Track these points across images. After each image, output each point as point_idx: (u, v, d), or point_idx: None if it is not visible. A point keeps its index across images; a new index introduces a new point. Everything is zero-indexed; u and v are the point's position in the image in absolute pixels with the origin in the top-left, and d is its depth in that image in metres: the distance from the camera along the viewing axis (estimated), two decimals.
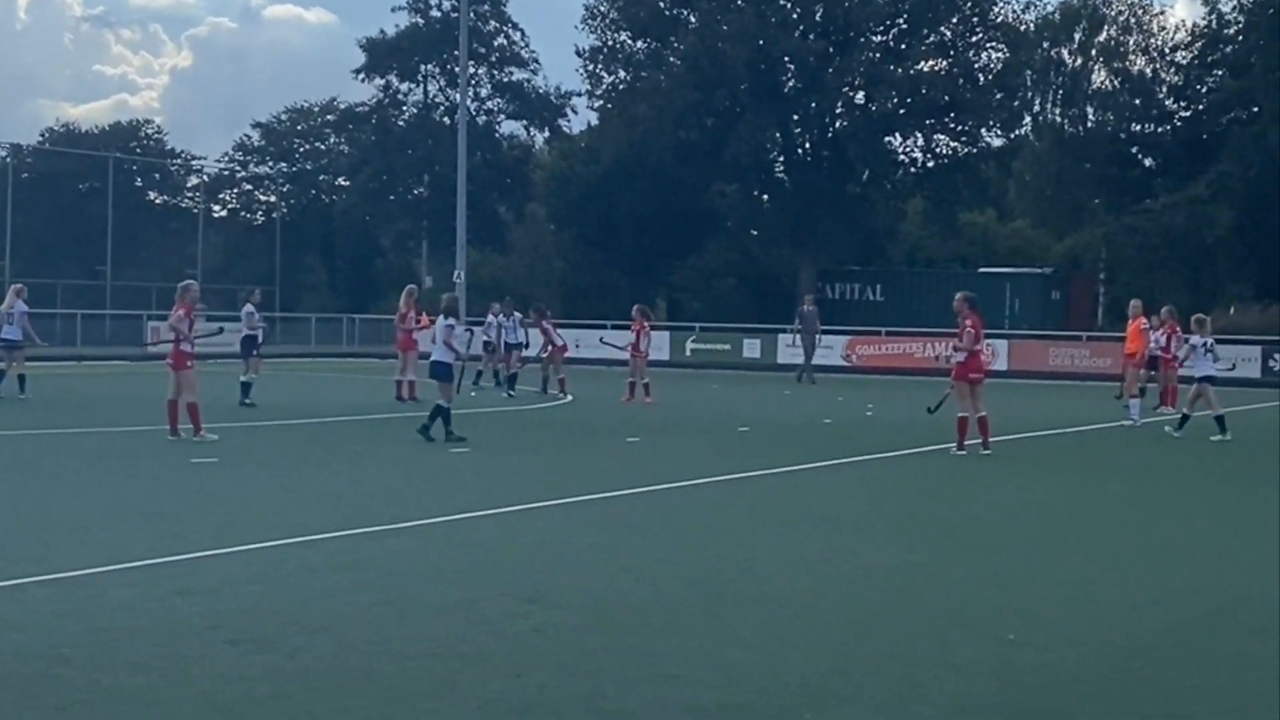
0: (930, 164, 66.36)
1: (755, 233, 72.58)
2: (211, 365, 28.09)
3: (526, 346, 36.16)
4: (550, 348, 34.73)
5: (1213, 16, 64.51)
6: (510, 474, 17.64)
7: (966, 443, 20.57)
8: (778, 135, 65.11)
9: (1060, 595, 10.49)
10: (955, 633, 9.17)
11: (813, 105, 63.96)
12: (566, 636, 8.88)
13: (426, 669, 8.00)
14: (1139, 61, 72.41)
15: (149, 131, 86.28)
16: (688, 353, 54.39)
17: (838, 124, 64.37)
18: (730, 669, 8.09)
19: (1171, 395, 30.57)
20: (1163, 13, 76.00)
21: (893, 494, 16.53)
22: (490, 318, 36.55)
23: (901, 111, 63.20)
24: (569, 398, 33.04)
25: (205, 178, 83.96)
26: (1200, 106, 67.63)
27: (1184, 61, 69.58)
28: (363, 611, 9.49)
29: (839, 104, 63.95)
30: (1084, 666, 8.35)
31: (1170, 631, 9.38)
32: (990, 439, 20.90)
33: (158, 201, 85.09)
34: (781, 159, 66.90)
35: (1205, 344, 25.00)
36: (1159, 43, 72.46)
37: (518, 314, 36.56)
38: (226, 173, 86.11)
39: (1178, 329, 31.01)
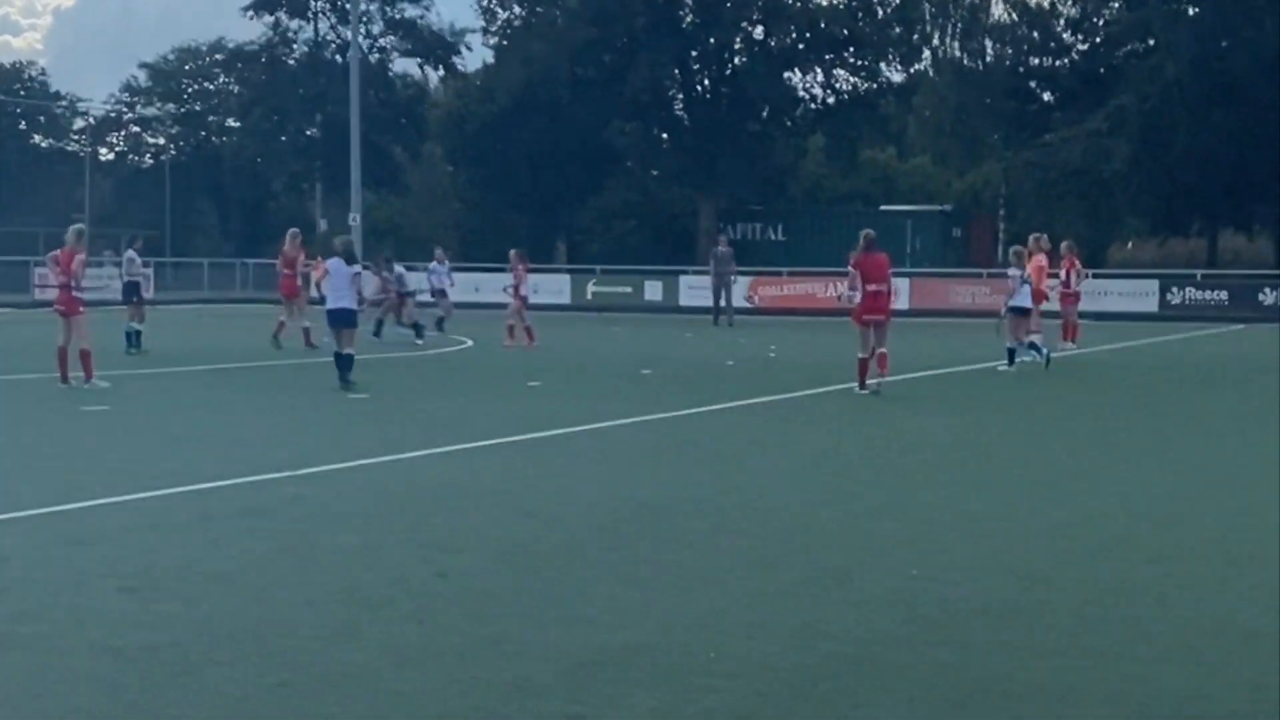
0: (830, 100, 66.51)
1: (655, 173, 72.45)
2: (94, 312, 27.60)
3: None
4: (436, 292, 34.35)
5: None
6: (411, 419, 17.51)
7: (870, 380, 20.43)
8: (676, 72, 64.92)
9: (960, 529, 10.55)
10: (857, 568, 9.20)
11: (711, 41, 63.81)
12: (470, 580, 8.81)
13: (329, 615, 7.91)
14: None
15: (32, 74, 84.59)
16: (589, 295, 54.21)
17: (736, 60, 64.30)
18: (634, 609, 8.07)
19: (1072, 330, 30.85)
20: None
21: (794, 434, 16.57)
22: (434, 264, 35.70)
23: (800, 47, 63.27)
24: (469, 342, 32.88)
25: (91, 120, 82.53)
26: (1098, 39, 68.13)
27: None
28: (262, 559, 9.37)
29: (738, 39, 63.85)
30: (984, 598, 8.40)
31: (1066, 561, 9.46)
32: (886, 375, 20.75)
33: (43, 145, 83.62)
34: (680, 96, 66.76)
35: (1021, 276, 25.56)
36: None
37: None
38: (113, 115, 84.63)
39: (1076, 264, 31.42)
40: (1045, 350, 25.07)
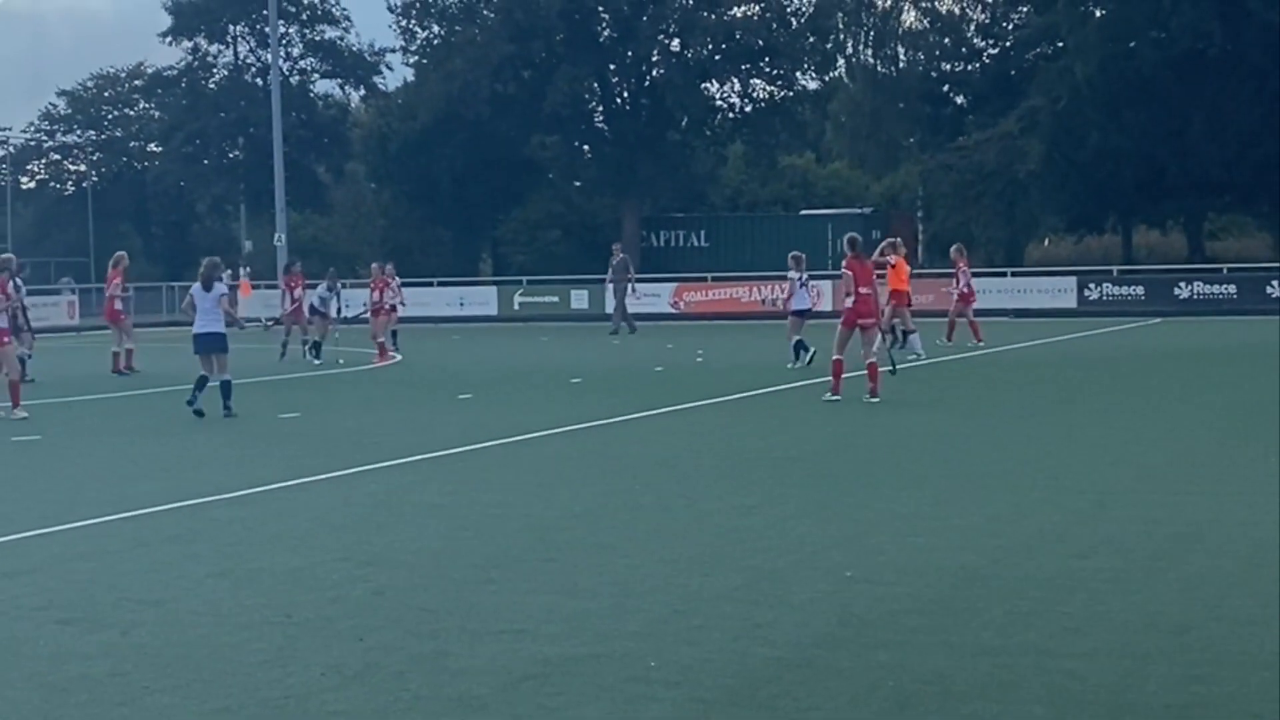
0: (748, 109, 66.89)
1: (578, 183, 72.55)
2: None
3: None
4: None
5: None
6: (342, 436, 17.48)
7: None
8: (595, 85, 65.13)
9: (892, 528, 10.67)
10: (793, 571, 9.29)
11: (629, 54, 64.06)
12: (408, 597, 8.83)
13: (266, 637, 7.91)
14: (947, 0, 73.56)
15: None
16: (516, 306, 54.29)
17: (654, 72, 64.55)
18: (573, 619, 8.12)
19: (974, 329, 31.48)
20: None
21: (725, 438, 16.67)
22: (324, 285, 35.45)
23: (717, 58, 63.61)
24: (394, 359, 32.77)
25: (11, 149, 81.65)
26: (1008, 43, 69.00)
27: None
28: (197, 584, 9.35)
29: (655, 52, 64.10)
30: (919, 596, 8.51)
31: (998, 557, 9.59)
32: (878, 386, 20.42)
33: None
34: (600, 108, 66.95)
35: (801, 279, 27.05)
36: None
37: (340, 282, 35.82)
38: (33, 143, 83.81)
39: (964, 265, 32.16)
40: (921, 351, 25.72)
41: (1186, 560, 9.36)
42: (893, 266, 28.12)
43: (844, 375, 20.12)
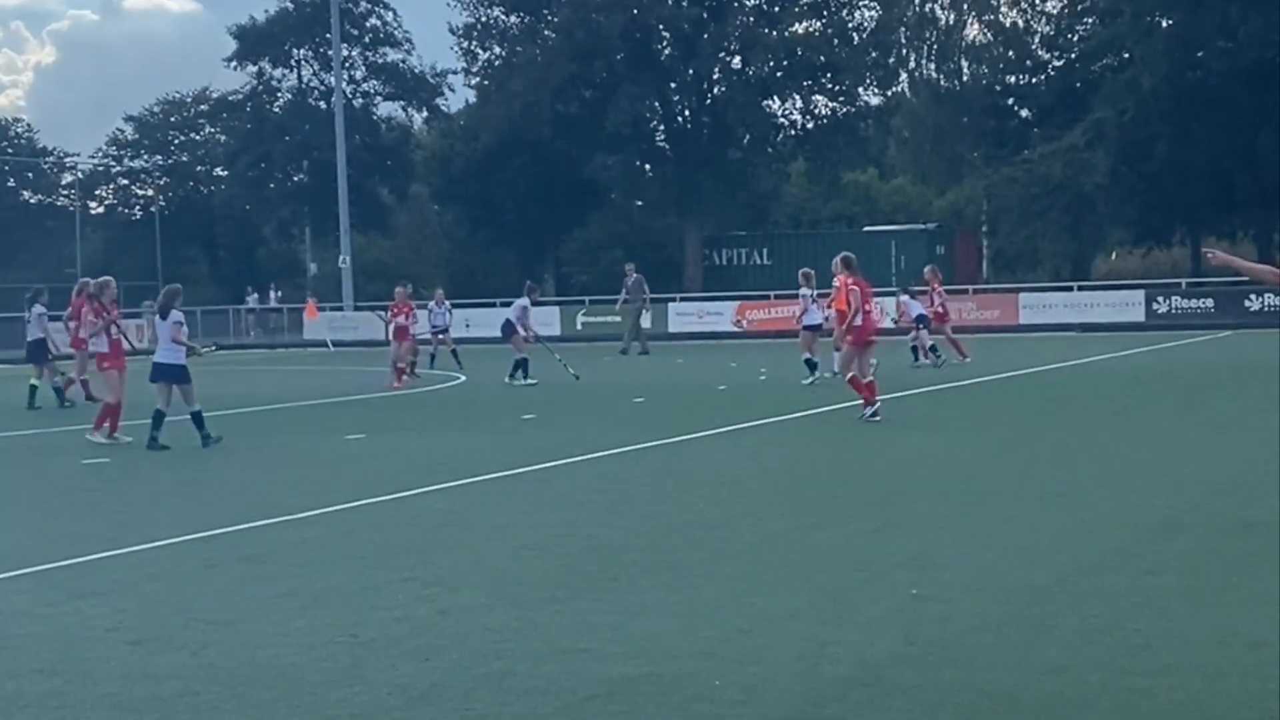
0: (810, 125, 66.86)
1: (639, 203, 72.73)
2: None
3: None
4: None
5: None
6: (406, 457, 17.55)
7: (871, 400, 20.03)
8: (656, 104, 65.28)
9: (958, 546, 10.61)
10: (859, 590, 9.25)
11: (690, 72, 64.15)
12: (473, 616, 8.85)
13: (334, 657, 7.95)
14: (1011, 13, 73.21)
15: (19, 130, 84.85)
16: (578, 326, 54.41)
17: (716, 90, 64.62)
18: (637, 639, 8.11)
19: (957, 346, 31.56)
20: None
21: (789, 456, 16.63)
22: (432, 304, 36.00)
23: (779, 74, 63.62)
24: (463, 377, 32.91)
25: (80, 174, 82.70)
26: (1072, 55, 68.57)
27: (1054, 11, 70.48)
28: (266, 604, 9.41)
29: (716, 70, 64.20)
30: (986, 615, 8.45)
31: (1066, 575, 9.52)
32: (871, 397, 20.27)
33: (32, 201, 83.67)
34: (662, 128, 67.10)
35: (811, 295, 27.55)
36: None
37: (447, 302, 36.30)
38: (101, 169, 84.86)
39: (939, 285, 31.88)
40: (821, 373, 26.17)
41: (1259, 577, 9.26)
42: (838, 287, 27.80)
43: (873, 387, 20.13)
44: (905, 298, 32.66)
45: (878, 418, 19.64)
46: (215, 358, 32.72)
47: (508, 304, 56.58)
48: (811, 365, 26.68)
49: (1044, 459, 15.66)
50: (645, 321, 43.94)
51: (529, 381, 28.99)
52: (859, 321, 20.32)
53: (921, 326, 30.82)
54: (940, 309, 32.33)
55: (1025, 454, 16.12)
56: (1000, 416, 20.69)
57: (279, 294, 66.37)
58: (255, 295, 67.50)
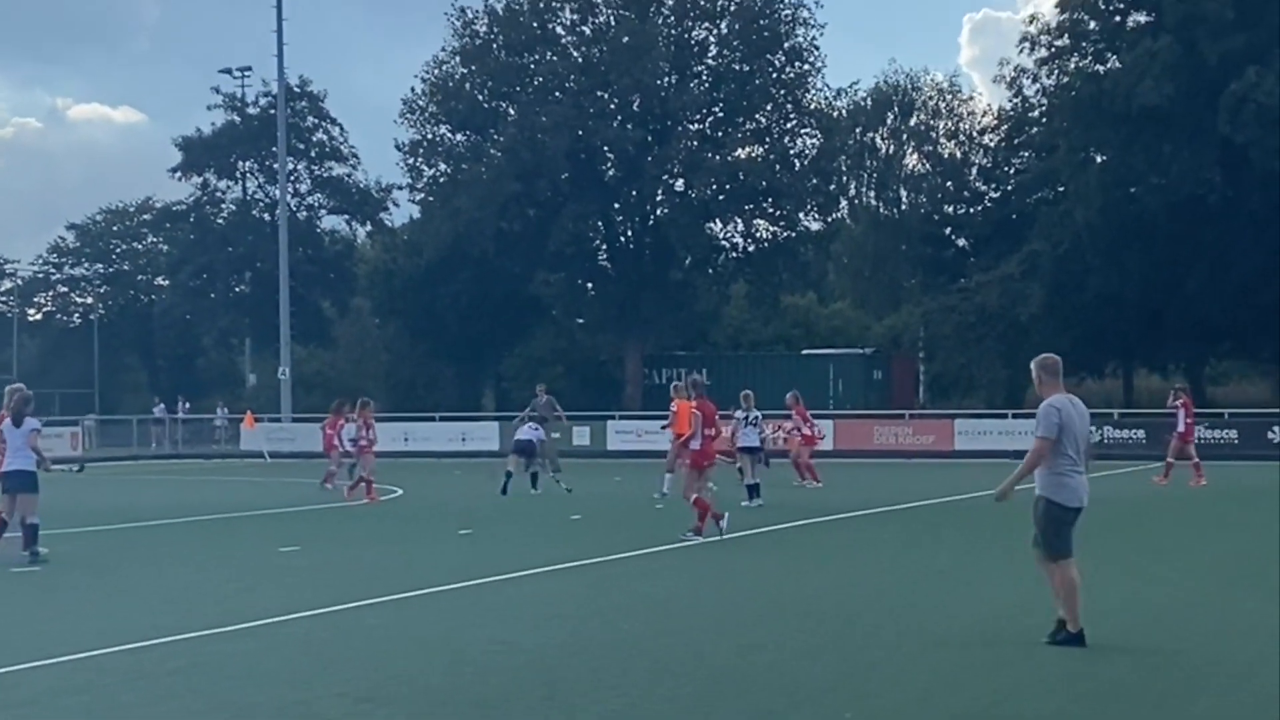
0: (751, 248, 67.50)
1: (581, 320, 73.00)
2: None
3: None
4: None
5: (1017, 100, 66.57)
6: (340, 569, 17.49)
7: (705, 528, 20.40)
8: (600, 223, 65.83)
9: (889, 672, 10.67)
10: (792, 713, 9.30)
11: (633, 193, 64.76)
12: None
13: None
14: (949, 145, 74.48)
15: None
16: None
17: (659, 211, 65.23)
18: None
19: (811, 471, 31.99)
20: (971, 98, 78.04)
21: (725, 576, 16.66)
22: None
23: (721, 198, 64.27)
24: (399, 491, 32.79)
25: (18, 281, 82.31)
26: (1009, 187, 69.73)
27: (992, 144, 71.77)
28: (196, 718, 9.35)
29: (659, 191, 64.84)
30: None
31: (995, 700, 9.59)
32: (704, 525, 20.52)
33: None
34: (604, 247, 67.58)
35: (747, 417, 27.67)
36: (967, 127, 74.68)
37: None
38: (41, 275, 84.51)
39: (803, 410, 32.45)
40: (668, 491, 26.57)
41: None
42: (674, 412, 28.11)
43: (710, 511, 20.38)
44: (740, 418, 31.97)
45: (698, 538, 20.05)
46: (148, 468, 32.49)
47: (448, 418, 56.82)
48: (751, 490, 26.61)
49: (977, 585, 15.74)
50: (586, 439, 43.87)
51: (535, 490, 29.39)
52: (697, 445, 20.76)
53: (750, 455, 29.45)
54: (809, 432, 32.59)
55: (958, 579, 16.20)
56: (937, 539, 20.81)
57: (187, 405, 66.06)
58: (162, 405, 67.18)
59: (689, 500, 20.69)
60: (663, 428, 30.57)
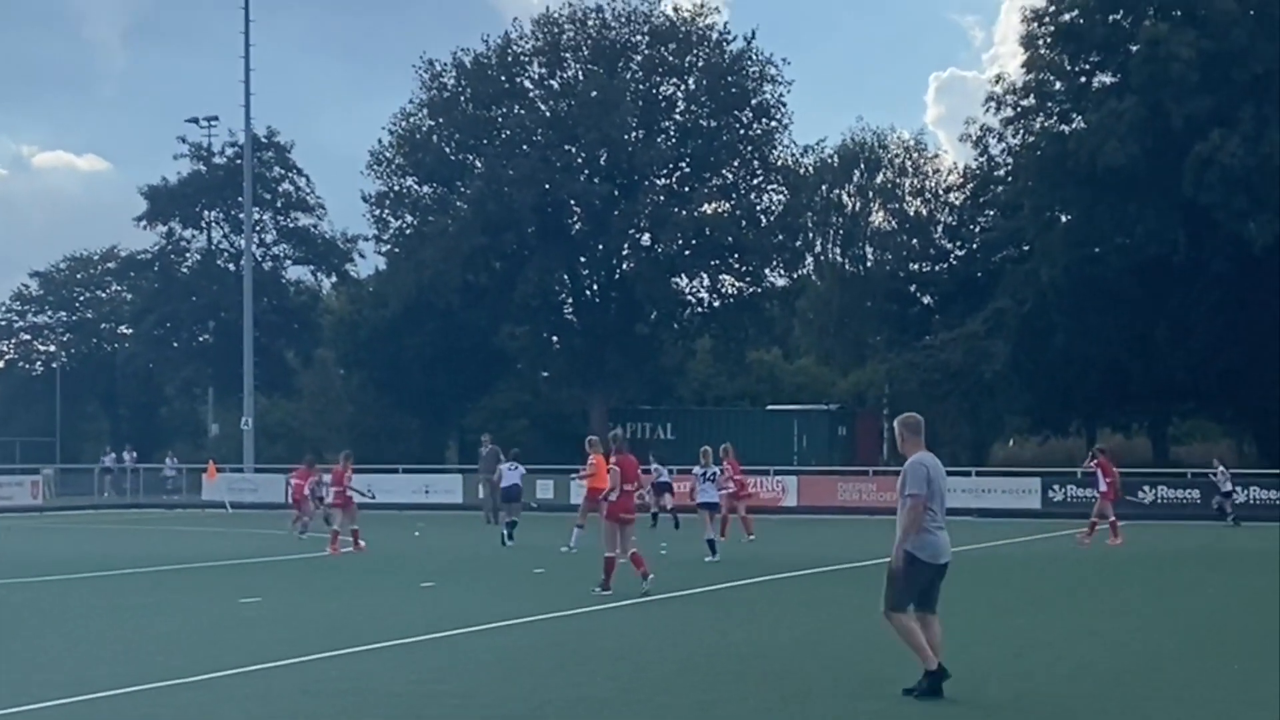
0: (716, 304, 67.64)
1: (546, 374, 72.97)
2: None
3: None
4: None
5: (983, 159, 67.03)
6: (302, 621, 17.40)
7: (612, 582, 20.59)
8: (566, 277, 65.89)
9: None
10: None
11: (600, 247, 64.90)
12: None
13: None
14: (915, 203, 74.94)
15: None
16: (480, 495, 54.03)
17: (625, 265, 65.33)
18: None
19: (746, 524, 32.17)
20: (936, 156, 78.58)
21: (685, 631, 16.63)
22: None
23: (687, 253, 64.44)
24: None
25: None
26: (974, 246, 70.15)
27: (957, 202, 72.23)
28: None
29: (625, 246, 64.95)
30: None
31: None
32: (650, 573, 20.81)
33: None
34: (570, 300, 67.62)
35: (704, 473, 27.96)
36: (933, 184, 75.16)
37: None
38: (3, 323, 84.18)
39: (736, 464, 32.05)
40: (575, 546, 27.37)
41: None
42: (593, 465, 28.22)
43: (614, 571, 20.58)
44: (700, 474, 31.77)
45: (608, 591, 20.26)
46: (109, 517, 32.35)
47: (412, 470, 56.73)
48: (711, 544, 26.76)
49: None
50: (550, 493, 43.79)
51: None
52: (614, 498, 20.88)
53: (708, 510, 28.64)
54: (738, 485, 32.42)
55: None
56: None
57: (134, 455, 65.80)
58: (111, 454, 66.85)
59: (605, 555, 20.77)
60: (578, 479, 30.99)
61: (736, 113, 64.70)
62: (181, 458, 66.29)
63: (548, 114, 64.24)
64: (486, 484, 42.54)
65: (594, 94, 62.49)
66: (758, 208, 65.89)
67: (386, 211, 67.11)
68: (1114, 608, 19.28)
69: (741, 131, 65.02)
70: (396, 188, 67.10)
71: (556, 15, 65.21)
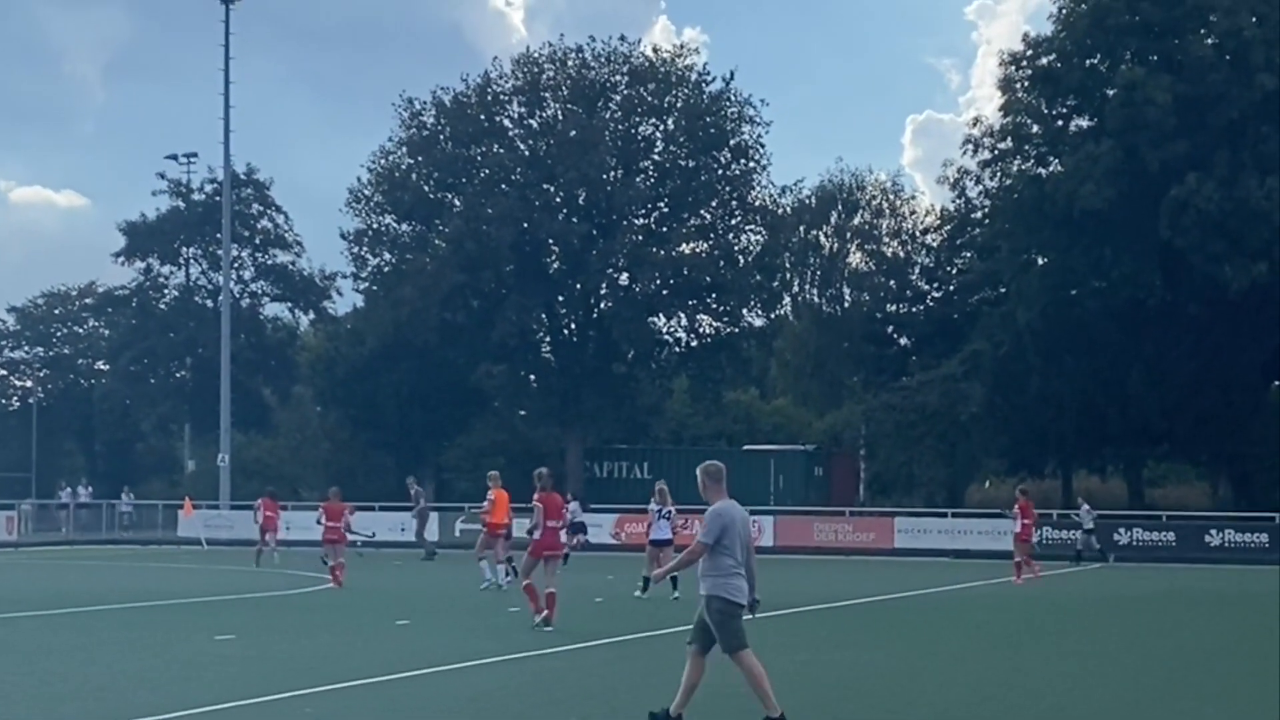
0: (694, 343, 67.72)
1: (523, 412, 72.94)
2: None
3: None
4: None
5: (960, 201, 67.25)
6: (275, 660, 17.35)
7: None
8: (543, 316, 65.95)
9: None
10: None
11: (577, 286, 64.99)
12: None
13: None
14: (892, 244, 75.14)
15: None
16: (457, 533, 53.96)
17: (602, 304, 65.43)
18: None
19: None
20: (914, 197, 78.83)
21: (660, 671, 16.60)
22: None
23: (664, 292, 64.56)
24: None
25: None
26: (951, 287, 70.35)
27: (934, 244, 72.44)
28: None
29: (603, 285, 65.05)
30: None
31: None
32: (554, 615, 21.25)
33: None
34: (547, 339, 67.67)
35: (660, 511, 28.50)
36: (910, 226, 75.38)
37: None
38: None
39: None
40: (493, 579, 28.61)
41: None
42: (492, 500, 29.15)
43: (552, 598, 21.27)
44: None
45: (549, 627, 20.86)
46: (84, 553, 32.25)
47: (388, 507, 56.60)
48: (645, 581, 27.44)
49: (925, 681, 15.77)
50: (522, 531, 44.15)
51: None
52: (538, 535, 21.69)
53: (659, 547, 28.65)
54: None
55: (908, 677, 16.22)
56: (887, 639, 20.83)
57: (90, 490, 65.65)
58: (68, 489, 66.62)
59: (522, 584, 21.89)
60: (477, 513, 31.74)
61: (715, 153, 64.93)
62: (157, 494, 66.05)
63: (527, 153, 64.42)
64: (421, 524, 44.61)
65: (573, 133, 62.67)
66: (735, 248, 66.04)
67: (365, 249, 67.17)
68: (1088, 649, 19.32)
69: (720, 172, 65.23)
70: (375, 225, 67.16)
71: (536, 55, 65.49)
